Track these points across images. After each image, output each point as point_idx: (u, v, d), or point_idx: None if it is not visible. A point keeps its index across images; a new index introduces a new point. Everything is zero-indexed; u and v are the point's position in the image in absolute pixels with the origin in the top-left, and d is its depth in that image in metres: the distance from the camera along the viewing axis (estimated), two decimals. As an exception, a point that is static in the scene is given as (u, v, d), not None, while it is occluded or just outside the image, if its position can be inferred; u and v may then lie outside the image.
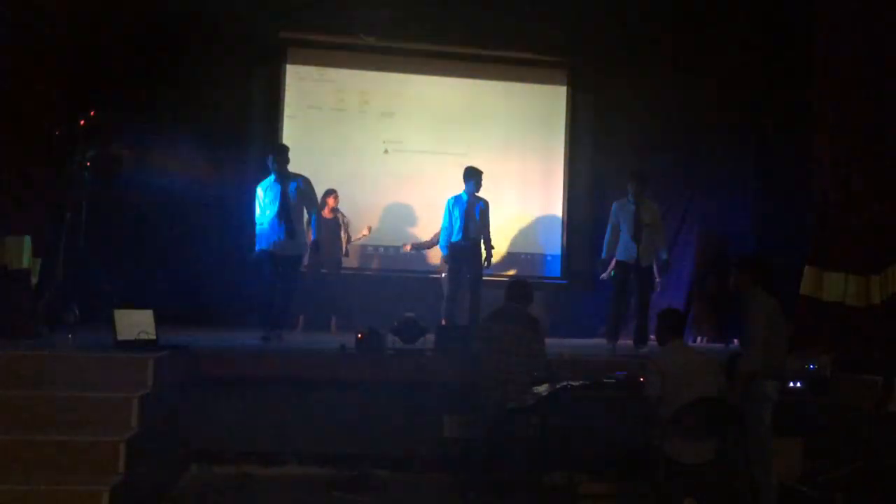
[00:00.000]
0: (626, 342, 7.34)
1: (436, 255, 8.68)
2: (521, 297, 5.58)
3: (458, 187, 7.57)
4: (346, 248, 8.44)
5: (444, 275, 8.03)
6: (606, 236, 7.35)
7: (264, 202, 6.81)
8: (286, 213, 6.72)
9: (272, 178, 6.85)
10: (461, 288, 7.62)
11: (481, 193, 7.56)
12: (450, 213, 7.53)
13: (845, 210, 6.05)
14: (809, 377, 5.50)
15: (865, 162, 5.99)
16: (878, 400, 5.13)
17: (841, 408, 5.46)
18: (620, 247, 7.24)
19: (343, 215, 8.42)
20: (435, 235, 8.13)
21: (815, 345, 5.84)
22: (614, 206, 7.36)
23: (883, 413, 5.08)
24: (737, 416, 4.78)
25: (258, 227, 6.88)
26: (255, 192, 6.96)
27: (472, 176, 7.49)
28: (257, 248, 6.87)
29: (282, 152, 6.88)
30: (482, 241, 7.57)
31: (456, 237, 7.50)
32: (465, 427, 5.79)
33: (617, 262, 7.35)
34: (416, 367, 5.95)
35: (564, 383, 5.34)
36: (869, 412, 5.19)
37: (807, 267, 6.17)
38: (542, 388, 5.25)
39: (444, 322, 7.37)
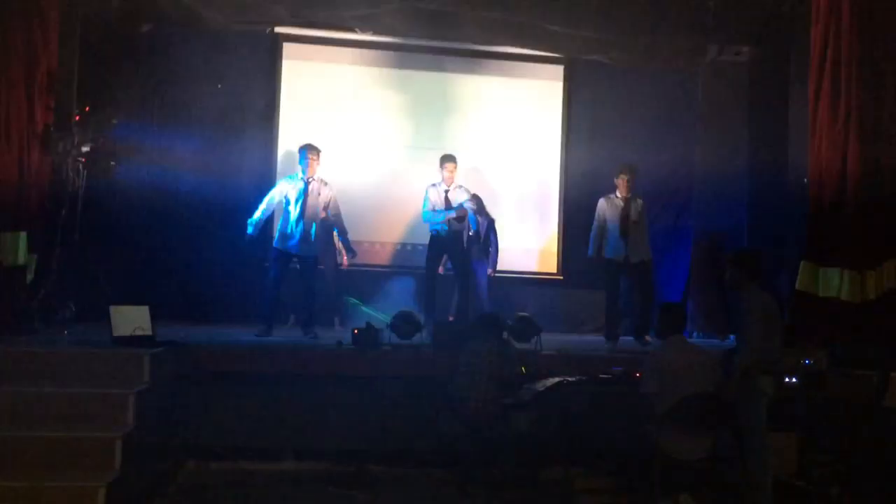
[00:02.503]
0: (624, 339, 7.34)
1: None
2: (489, 332, 5.65)
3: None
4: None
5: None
6: (592, 233, 7.31)
7: (286, 198, 6.94)
8: (304, 213, 6.86)
9: (297, 176, 6.98)
10: (437, 281, 7.51)
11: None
12: (431, 201, 7.39)
13: (841, 205, 6.05)
14: (805, 372, 5.51)
15: (861, 156, 6.00)
16: (873, 395, 5.14)
17: (836, 403, 5.47)
18: (608, 245, 7.19)
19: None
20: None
21: (811, 340, 5.85)
22: (601, 202, 7.31)
23: (878, 408, 5.09)
24: (732, 412, 4.80)
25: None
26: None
27: (443, 162, 7.38)
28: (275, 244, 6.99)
29: (315, 153, 7.00)
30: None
31: (435, 226, 7.36)
32: (463, 422, 5.82)
33: (606, 260, 7.27)
34: (412, 363, 5.96)
35: (561, 379, 5.35)
36: (864, 407, 5.20)
37: (802, 262, 6.18)
38: (539, 384, 5.26)
39: (451, 318, 7.34)
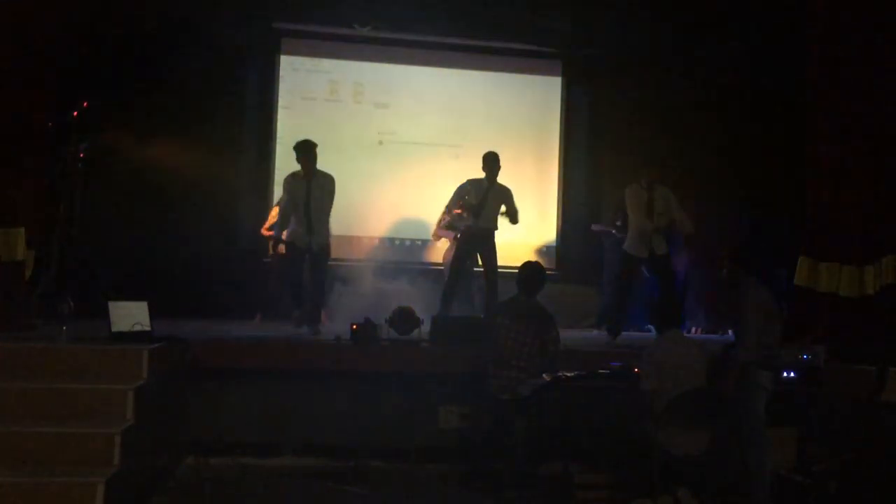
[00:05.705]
0: (626, 335, 7.33)
1: (438, 249, 8.65)
2: (532, 286, 5.60)
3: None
4: None
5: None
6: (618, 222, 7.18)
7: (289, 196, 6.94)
8: (308, 210, 6.80)
9: (299, 172, 6.89)
10: (463, 280, 7.43)
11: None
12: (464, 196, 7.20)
13: (840, 200, 6.06)
14: (803, 367, 5.51)
15: (861, 152, 6.00)
16: (871, 390, 5.15)
17: (834, 397, 5.48)
18: (629, 239, 7.09)
19: None
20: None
21: (809, 335, 5.86)
22: (626, 191, 7.11)
23: (876, 403, 5.10)
24: (730, 407, 4.80)
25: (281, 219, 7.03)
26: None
27: (492, 162, 7.21)
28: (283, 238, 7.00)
29: (309, 150, 6.89)
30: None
31: (469, 222, 7.20)
32: (461, 418, 5.82)
33: (624, 253, 7.14)
34: (411, 358, 5.96)
35: (559, 374, 5.35)
36: (862, 402, 5.21)
37: (801, 257, 6.18)
38: (538, 380, 5.26)
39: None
